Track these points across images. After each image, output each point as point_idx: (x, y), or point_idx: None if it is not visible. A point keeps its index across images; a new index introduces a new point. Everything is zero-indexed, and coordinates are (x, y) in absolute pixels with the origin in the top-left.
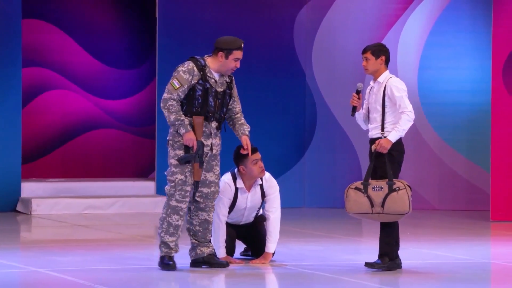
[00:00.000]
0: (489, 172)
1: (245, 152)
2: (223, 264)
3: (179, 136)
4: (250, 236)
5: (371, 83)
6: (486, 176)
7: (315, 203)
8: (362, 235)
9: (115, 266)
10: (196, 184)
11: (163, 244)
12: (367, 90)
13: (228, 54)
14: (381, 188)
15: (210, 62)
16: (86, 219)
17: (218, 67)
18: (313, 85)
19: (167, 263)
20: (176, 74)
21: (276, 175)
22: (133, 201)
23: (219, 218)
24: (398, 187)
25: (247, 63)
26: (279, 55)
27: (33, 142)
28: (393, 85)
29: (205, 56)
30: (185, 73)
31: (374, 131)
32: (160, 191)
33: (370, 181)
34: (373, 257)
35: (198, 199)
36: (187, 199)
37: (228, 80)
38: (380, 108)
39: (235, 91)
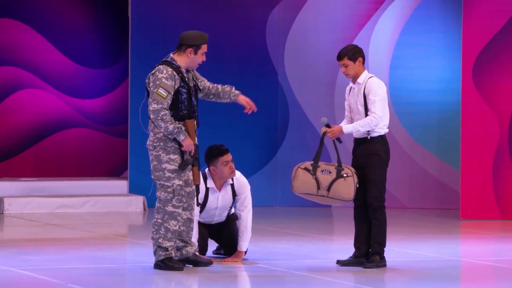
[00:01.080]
0: (459, 171)
1: (250, 111)
2: (208, 263)
3: (172, 141)
4: (222, 235)
5: (351, 83)
6: (456, 175)
7: (287, 202)
8: (334, 233)
9: (88, 265)
10: (197, 188)
11: (161, 248)
12: (347, 91)
13: (197, 49)
14: (330, 172)
15: (179, 59)
16: (58, 218)
17: (187, 63)
18: (286, 84)
19: (172, 264)
20: (159, 82)
21: (248, 174)
22: (105, 200)
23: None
24: (346, 174)
25: (219, 63)
26: (251, 54)
27: (5, 141)
28: (372, 87)
29: (171, 54)
30: (168, 80)
31: (359, 132)
32: (132, 190)
33: (319, 163)
34: (345, 255)
35: (183, 199)
36: (182, 204)
37: (191, 74)
38: (362, 109)
39: (196, 73)
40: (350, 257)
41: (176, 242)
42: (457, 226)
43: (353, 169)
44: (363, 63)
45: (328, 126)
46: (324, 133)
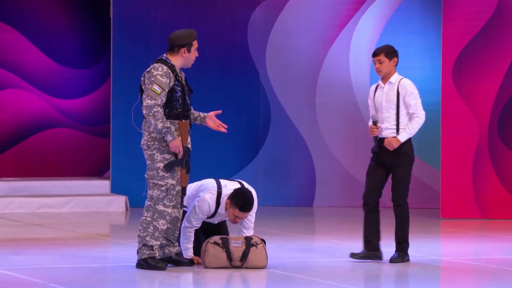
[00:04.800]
0: (439, 170)
1: (221, 129)
2: (189, 263)
3: (165, 141)
4: (212, 229)
5: (380, 82)
6: (436, 174)
7: (268, 202)
8: (315, 233)
9: (70, 264)
10: (183, 190)
11: (146, 247)
12: (372, 90)
13: (190, 47)
14: (240, 243)
15: (174, 60)
16: (40, 218)
17: (182, 63)
18: (267, 84)
19: (155, 264)
20: (153, 79)
21: (230, 174)
22: (87, 200)
23: (192, 227)
24: (256, 242)
25: (201, 63)
26: (233, 55)
27: None
28: (408, 89)
29: (165, 55)
30: (163, 77)
31: (387, 131)
32: (114, 190)
33: (229, 236)
34: (326, 254)
35: (173, 198)
36: (173, 204)
37: (183, 74)
38: (394, 107)
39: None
40: (363, 251)
41: (161, 241)
42: (437, 225)
43: (260, 237)
44: (396, 65)
45: (375, 123)
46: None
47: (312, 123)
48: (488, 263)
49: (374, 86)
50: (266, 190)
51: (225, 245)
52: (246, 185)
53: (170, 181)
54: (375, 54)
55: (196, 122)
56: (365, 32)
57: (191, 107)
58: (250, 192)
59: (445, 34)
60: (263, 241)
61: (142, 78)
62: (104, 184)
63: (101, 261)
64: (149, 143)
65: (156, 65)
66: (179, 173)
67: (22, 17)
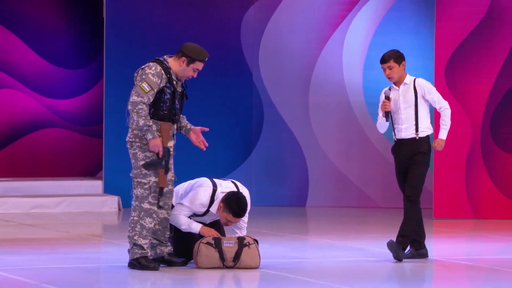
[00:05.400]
0: (432, 170)
1: (204, 147)
2: (181, 263)
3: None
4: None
5: (394, 86)
6: (429, 174)
7: (261, 202)
8: (308, 233)
9: (63, 265)
10: (160, 191)
11: (136, 246)
12: (383, 93)
13: (190, 62)
14: (232, 243)
15: (172, 64)
16: (33, 218)
17: (178, 70)
18: (260, 85)
19: (147, 264)
20: (144, 76)
21: (223, 174)
22: (80, 200)
23: (180, 214)
24: (248, 242)
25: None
26: (226, 55)
27: None
28: (426, 87)
29: (166, 56)
30: (154, 76)
31: (407, 131)
32: (107, 190)
33: (221, 236)
34: (320, 254)
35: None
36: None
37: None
38: (413, 107)
39: None
40: (409, 251)
41: (150, 240)
42: (430, 225)
43: (253, 237)
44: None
45: (387, 98)
46: (387, 112)
47: (305, 123)
48: (480, 263)
49: (386, 89)
50: (259, 190)
51: (217, 245)
52: (240, 186)
53: (153, 179)
54: (384, 61)
55: (181, 131)
56: (358, 32)
57: (181, 114)
58: (244, 198)
59: (438, 34)
60: (256, 241)
61: (135, 74)
62: (96, 184)
63: (94, 262)
64: (131, 140)
65: (151, 63)
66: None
67: (15, 17)
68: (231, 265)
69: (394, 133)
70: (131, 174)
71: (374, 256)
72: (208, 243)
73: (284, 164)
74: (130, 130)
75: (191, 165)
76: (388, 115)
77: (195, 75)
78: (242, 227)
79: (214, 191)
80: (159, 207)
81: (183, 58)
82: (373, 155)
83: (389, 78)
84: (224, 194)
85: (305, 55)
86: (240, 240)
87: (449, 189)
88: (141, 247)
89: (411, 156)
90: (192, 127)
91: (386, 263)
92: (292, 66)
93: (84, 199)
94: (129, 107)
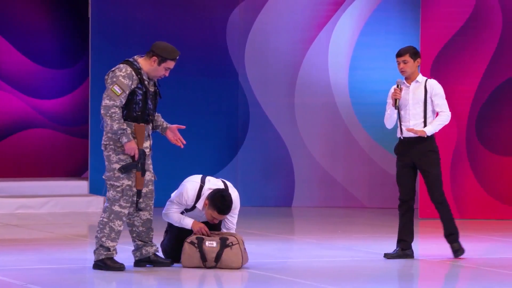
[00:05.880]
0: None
1: (181, 145)
2: (167, 263)
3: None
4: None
5: (405, 81)
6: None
7: (247, 202)
8: (294, 233)
9: (48, 265)
10: (138, 193)
11: (103, 248)
12: (394, 89)
13: (162, 62)
14: (214, 243)
15: (143, 64)
16: (18, 218)
17: (149, 70)
18: (246, 85)
19: (112, 265)
20: (115, 79)
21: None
22: (66, 200)
23: (170, 213)
24: (232, 242)
25: (180, 64)
26: (212, 55)
27: None
28: (436, 89)
29: (136, 56)
30: (125, 79)
31: (415, 128)
32: (93, 190)
33: (204, 236)
34: (306, 254)
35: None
36: (129, 205)
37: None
38: (422, 105)
39: None
40: (396, 250)
41: (135, 241)
42: (415, 225)
43: (239, 236)
44: (419, 66)
45: (399, 86)
46: (397, 100)
47: (291, 124)
48: (466, 263)
49: (394, 85)
50: (245, 190)
51: (199, 245)
52: (229, 185)
53: (126, 182)
54: (400, 54)
55: (157, 130)
56: (344, 33)
57: (156, 113)
58: (229, 196)
59: (423, 35)
60: (242, 240)
61: (106, 77)
62: (82, 185)
63: (80, 262)
64: (105, 143)
65: (121, 65)
66: (147, 172)
67: (0, 17)
68: (213, 265)
69: (401, 131)
70: (104, 177)
71: (360, 256)
72: (191, 242)
73: (270, 164)
74: (104, 133)
75: (177, 165)
76: (397, 103)
77: (167, 74)
78: (231, 228)
79: (201, 186)
80: (139, 209)
81: (154, 57)
82: (359, 155)
83: (402, 72)
84: (211, 190)
85: (291, 55)
86: (223, 240)
87: None
88: (107, 249)
89: (420, 155)
90: (169, 125)
91: (372, 262)
92: (278, 66)
93: (69, 199)
94: (102, 111)
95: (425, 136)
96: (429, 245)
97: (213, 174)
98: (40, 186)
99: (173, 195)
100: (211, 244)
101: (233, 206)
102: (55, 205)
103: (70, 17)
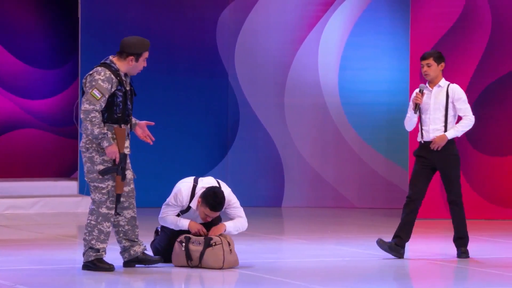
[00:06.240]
0: (407, 171)
1: (150, 142)
2: (156, 260)
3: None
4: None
5: (428, 86)
6: (404, 174)
7: None
8: (284, 233)
9: (37, 266)
10: (118, 197)
11: (92, 250)
12: (415, 94)
13: (138, 57)
14: (199, 243)
15: (119, 64)
16: (7, 219)
17: (127, 70)
18: (236, 85)
19: (101, 265)
20: (94, 83)
21: (198, 175)
22: (55, 201)
23: (167, 216)
24: (215, 242)
25: (170, 63)
26: (202, 55)
27: None
28: (459, 93)
29: (111, 57)
30: (104, 82)
31: (436, 132)
32: (82, 191)
33: (191, 235)
34: (295, 255)
35: (122, 198)
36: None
37: (129, 77)
38: (443, 109)
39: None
40: (390, 242)
41: (122, 243)
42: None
43: (228, 238)
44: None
45: (421, 91)
46: (417, 104)
47: (281, 124)
48: (455, 263)
49: (417, 89)
50: (235, 190)
51: (186, 244)
52: (222, 184)
53: (111, 183)
54: (424, 58)
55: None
56: (334, 33)
57: (131, 112)
58: (221, 193)
59: (413, 35)
60: (228, 242)
61: (84, 81)
62: (72, 185)
63: (69, 263)
64: (87, 145)
65: (99, 69)
66: (128, 171)
67: None
68: (197, 264)
69: (422, 135)
70: (86, 179)
71: (350, 256)
72: (180, 241)
73: (260, 164)
74: (84, 136)
75: (167, 165)
76: (417, 107)
77: (145, 64)
78: (238, 216)
79: (195, 186)
80: (118, 213)
81: (130, 57)
82: (349, 155)
83: (425, 75)
84: (203, 189)
85: (281, 55)
86: (207, 240)
87: None
88: (97, 251)
89: (441, 159)
90: (138, 121)
91: (362, 262)
92: (268, 66)
93: (59, 199)
94: (82, 116)
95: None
96: (419, 245)
97: (203, 174)
98: (29, 187)
99: (168, 199)
100: (196, 243)
101: (229, 201)
102: (45, 205)
103: (60, 17)
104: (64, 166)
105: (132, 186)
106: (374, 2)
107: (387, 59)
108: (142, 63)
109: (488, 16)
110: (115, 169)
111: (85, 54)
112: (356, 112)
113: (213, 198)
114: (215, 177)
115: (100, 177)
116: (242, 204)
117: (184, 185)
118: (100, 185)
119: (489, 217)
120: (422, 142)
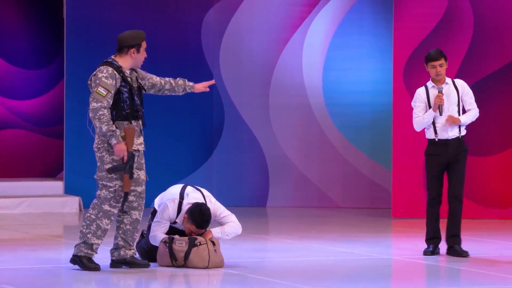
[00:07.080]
0: (390, 171)
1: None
2: (144, 265)
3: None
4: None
5: (436, 84)
6: (388, 175)
7: (222, 202)
8: (269, 233)
9: (22, 265)
10: (125, 195)
11: (86, 244)
12: (422, 91)
13: (139, 47)
14: (183, 243)
15: (121, 61)
16: None
17: (131, 64)
18: (221, 85)
19: (88, 264)
20: (98, 81)
21: (184, 175)
22: (40, 201)
23: (157, 235)
24: (200, 242)
25: (154, 64)
26: (186, 56)
27: None
28: (466, 87)
29: (113, 56)
30: (108, 79)
31: (453, 131)
32: (68, 191)
33: (175, 236)
34: (280, 254)
35: (132, 197)
36: (119, 205)
37: (135, 74)
38: (456, 106)
39: (142, 72)
40: (448, 247)
41: (117, 239)
42: (388, 225)
43: (215, 240)
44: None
45: (440, 92)
46: (441, 106)
47: (266, 124)
48: (439, 262)
49: (422, 89)
50: (220, 190)
51: (169, 244)
52: (208, 197)
53: (119, 183)
54: (435, 59)
55: (179, 89)
56: (318, 34)
57: (170, 82)
58: (207, 210)
59: (396, 36)
60: (212, 242)
61: (89, 82)
62: (57, 185)
63: (54, 262)
64: (99, 146)
65: (101, 67)
66: (139, 172)
67: None
68: (182, 264)
69: (436, 133)
70: (95, 176)
71: (334, 256)
72: (164, 241)
73: (244, 165)
74: (96, 137)
75: (152, 166)
76: (440, 108)
77: (146, 55)
78: (224, 222)
79: (181, 202)
80: (124, 211)
81: (132, 49)
82: (333, 155)
83: (438, 75)
84: (189, 205)
85: (266, 56)
86: (191, 240)
87: (408, 189)
88: (90, 246)
89: (455, 154)
90: (191, 84)
91: (346, 262)
92: (253, 67)
93: (44, 200)
94: (90, 114)
95: (460, 137)
96: (402, 244)
97: (189, 174)
98: (14, 187)
99: (156, 215)
100: (180, 243)
101: (215, 213)
102: (30, 205)
103: (45, 17)
104: (49, 166)
105: (144, 187)
106: (358, 3)
107: (370, 60)
108: (143, 54)
109: (470, 17)
110: (123, 168)
111: (70, 54)
112: (340, 112)
113: (199, 216)
114: (200, 178)
115: (109, 175)
116: (226, 204)
117: (170, 202)
118: (108, 183)
119: (472, 216)
120: (436, 140)
